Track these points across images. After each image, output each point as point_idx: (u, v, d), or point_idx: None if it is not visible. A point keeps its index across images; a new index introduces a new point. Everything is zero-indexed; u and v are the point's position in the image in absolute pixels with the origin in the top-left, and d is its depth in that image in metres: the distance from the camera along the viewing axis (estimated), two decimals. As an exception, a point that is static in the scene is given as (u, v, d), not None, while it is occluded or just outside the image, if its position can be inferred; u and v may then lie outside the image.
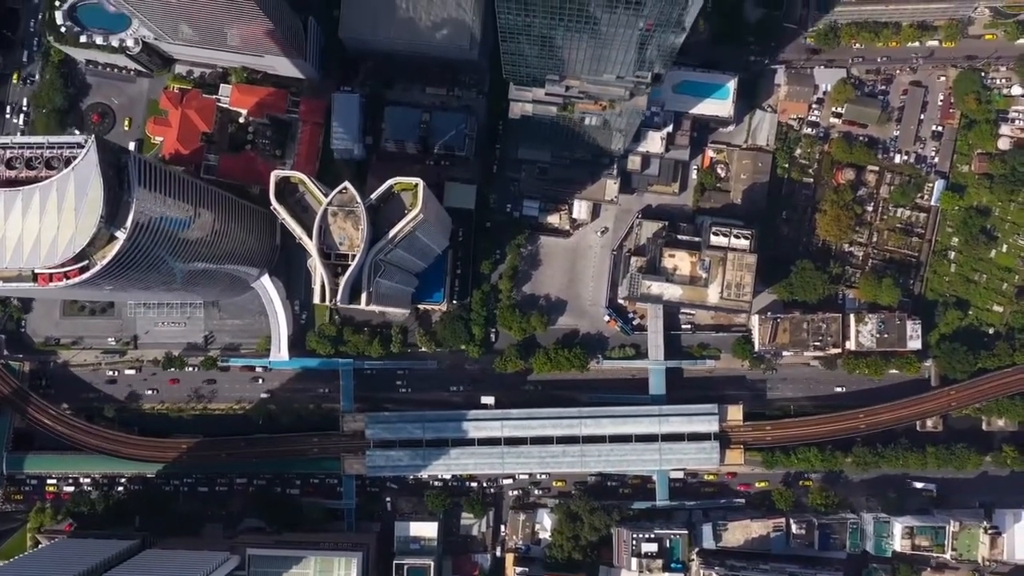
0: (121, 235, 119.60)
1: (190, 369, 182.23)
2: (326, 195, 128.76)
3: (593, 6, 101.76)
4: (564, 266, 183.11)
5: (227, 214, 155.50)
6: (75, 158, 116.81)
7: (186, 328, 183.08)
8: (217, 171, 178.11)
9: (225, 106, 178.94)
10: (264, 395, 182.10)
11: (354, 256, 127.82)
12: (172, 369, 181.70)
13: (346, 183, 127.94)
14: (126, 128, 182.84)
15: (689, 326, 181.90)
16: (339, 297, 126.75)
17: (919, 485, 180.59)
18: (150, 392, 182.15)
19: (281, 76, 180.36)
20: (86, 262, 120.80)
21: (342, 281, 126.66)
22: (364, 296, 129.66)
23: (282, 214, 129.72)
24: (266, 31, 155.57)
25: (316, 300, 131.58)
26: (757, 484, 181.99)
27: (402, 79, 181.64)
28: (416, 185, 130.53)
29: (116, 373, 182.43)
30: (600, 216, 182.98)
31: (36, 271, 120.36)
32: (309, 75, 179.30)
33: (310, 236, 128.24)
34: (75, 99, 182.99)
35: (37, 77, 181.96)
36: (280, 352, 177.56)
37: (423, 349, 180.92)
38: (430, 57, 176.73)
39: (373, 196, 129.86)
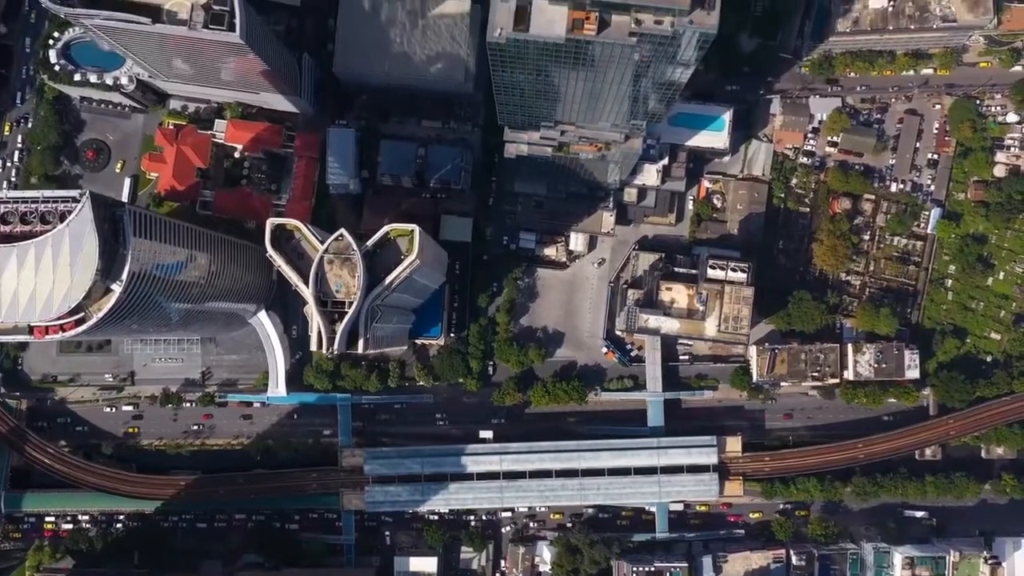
0: (117, 288, 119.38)
1: (188, 405, 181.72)
2: (322, 241, 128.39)
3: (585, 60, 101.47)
4: (561, 298, 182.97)
5: (222, 254, 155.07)
6: (70, 212, 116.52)
7: (183, 364, 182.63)
8: (213, 207, 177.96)
9: (220, 141, 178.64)
10: (261, 431, 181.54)
11: (351, 303, 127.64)
12: (170, 406, 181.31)
13: (342, 230, 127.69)
14: (117, 170, 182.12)
15: (687, 357, 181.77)
16: (336, 346, 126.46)
17: (918, 514, 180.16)
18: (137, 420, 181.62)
19: (276, 111, 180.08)
20: (82, 314, 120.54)
21: (339, 329, 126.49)
22: (361, 343, 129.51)
23: (278, 261, 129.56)
24: (261, 71, 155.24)
25: (313, 348, 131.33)
26: (751, 515, 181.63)
27: (397, 112, 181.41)
28: (412, 231, 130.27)
29: (114, 409, 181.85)
30: (597, 247, 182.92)
31: (32, 324, 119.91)
32: (304, 110, 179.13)
33: (306, 283, 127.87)
34: (70, 136, 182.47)
35: (31, 115, 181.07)
36: (278, 388, 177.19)
37: (421, 383, 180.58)
38: (425, 90, 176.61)
39: (369, 243, 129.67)
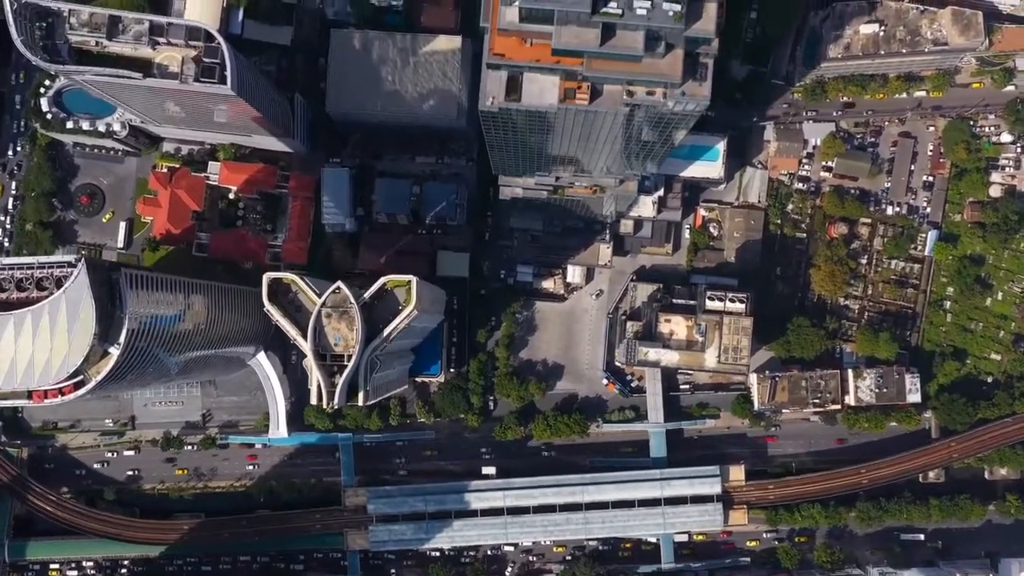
0: (115, 350, 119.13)
1: (189, 448, 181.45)
2: (319, 294, 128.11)
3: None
4: (560, 330, 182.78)
5: (219, 301, 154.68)
6: (66, 277, 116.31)
7: (183, 407, 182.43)
8: (209, 249, 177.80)
9: (214, 183, 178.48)
10: (264, 472, 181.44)
11: (350, 356, 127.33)
12: (172, 449, 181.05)
13: (339, 283, 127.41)
14: (106, 219, 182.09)
15: (688, 386, 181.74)
16: (336, 401, 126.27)
17: (919, 537, 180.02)
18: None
19: (270, 150, 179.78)
20: (80, 377, 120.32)
21: (339, 384, 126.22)
22: (361, 395, 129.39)
23: (275, 316, 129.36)
24: (253, 117, 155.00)
25: (313, 402, 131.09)
26: (748, 543, 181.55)
27: (391, 149, 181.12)
28: (410, 282, 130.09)
29: (115, 454, 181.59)
30: (594, 279, 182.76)
31: (31, 389, 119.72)
32: (298, 149, 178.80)
33: (305, 337, 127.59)
34: (63, 181, 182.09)
35: (24, 162, 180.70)
36: (279, 429, 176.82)
37: (422, 420, 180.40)
38: (418, 127, 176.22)
39: (366, 294, 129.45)
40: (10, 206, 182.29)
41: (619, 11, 79.31)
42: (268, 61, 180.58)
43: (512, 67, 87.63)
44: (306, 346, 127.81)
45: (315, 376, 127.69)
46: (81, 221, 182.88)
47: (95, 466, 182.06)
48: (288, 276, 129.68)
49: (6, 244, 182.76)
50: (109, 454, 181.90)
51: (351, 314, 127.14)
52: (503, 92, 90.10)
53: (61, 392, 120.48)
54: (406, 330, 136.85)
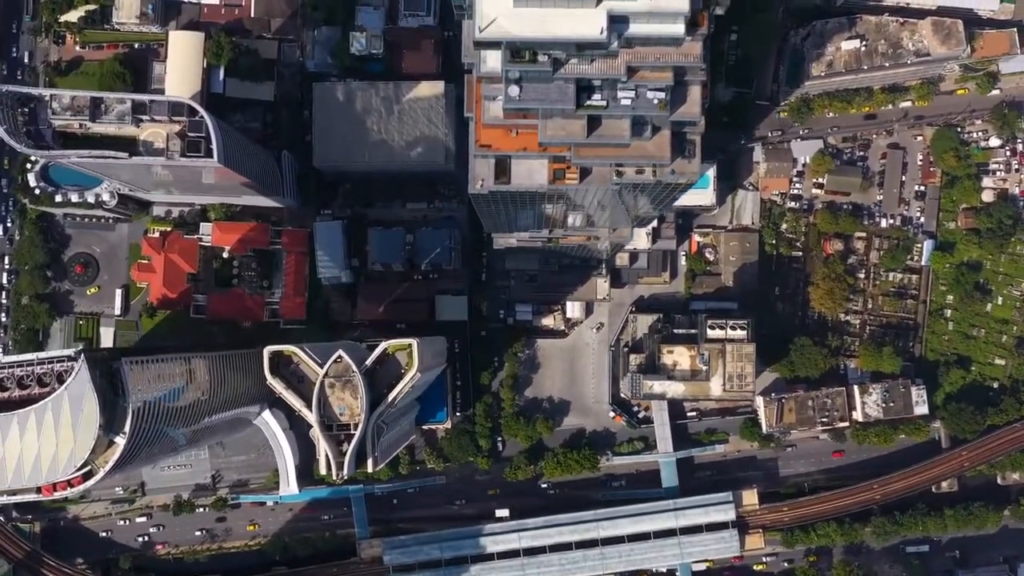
0: (121, 440, 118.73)
1: (201, 510, 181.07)
2: (320, 364, 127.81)
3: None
4: (563, 366, 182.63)
5: (220, 366, 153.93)
6: (66, 372, 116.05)
7: (192, 470, 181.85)
8: (207, 311, 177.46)
9: (208, 244, 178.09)
10: (277, 529, 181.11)
11: (356, 424, 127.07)
12: (184, 513, 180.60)
13: (340, 352, 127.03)
14: (91, 292, 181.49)
15: (694, 413, 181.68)
16: (345, 472, 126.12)
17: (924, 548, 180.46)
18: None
19: (261, 206, 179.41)
20: (88, 468, 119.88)
21: (347, 454, 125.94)
22: (370, 462, 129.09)
23: (278, 388, 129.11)
24: (241, 183, 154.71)
25: (322, 472, 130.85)
26: (755, 567, 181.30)
27: (381, 197, 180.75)
28: (410, 345, 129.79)
29: (127, 522, 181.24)
30: (594, 312, 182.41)
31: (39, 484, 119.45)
32: (288, 204, 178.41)
33: (309, 408, 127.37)
34: (56, 252, 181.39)
35: (16, 235, 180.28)
36: (289, 486, 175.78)
37: (431, 466, 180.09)
38: (407, 173, 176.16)
39: (368, 361, 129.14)
40: (4, 280, 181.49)
41: (603, 103, 79.18)
42: (252, 117, 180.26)
43: (499, 155, 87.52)
44: (312, 417, 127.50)
45: (323, 447, 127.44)
46: (77, 291, 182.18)
47: (108, 535, 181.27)
48: (289, 348, 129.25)
49: (3, 319, 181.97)
50: (121, 522, 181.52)
51: (354, 382, 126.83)
52: (492, 176, 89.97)
53: (70, 484, 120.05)
54: (410, 392, 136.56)
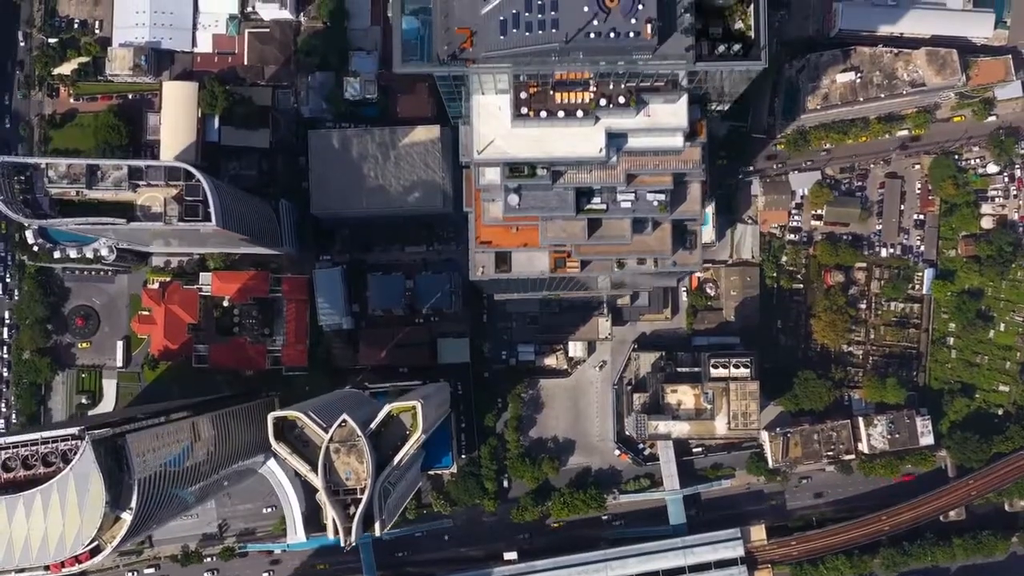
0: (127, 515, 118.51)
1: (208, 560, 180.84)
2: (325, 428, 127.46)
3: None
4: (567, 405, 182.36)
5: (224, 421, 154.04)
6: (71, 450, 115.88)
7: (199, 519, 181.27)
8: (208, 360, 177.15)
9: (207, 294, 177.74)
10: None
11: (363, 489, 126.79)
12: (192, 563, 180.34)
13: (345, 416, 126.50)
14: (85, 346, 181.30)
15: (700, 449, 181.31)
16: (353, 538, 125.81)
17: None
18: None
19: (260, 254, 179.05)
20: (96, 544, 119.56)
21: (355, 519, 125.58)
22: (377, 525, 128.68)
23: (284, 454, 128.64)
24: (240, 239, 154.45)
25: (329, 537, 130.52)
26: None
27: (380, 241, 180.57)
28: (414, 407, 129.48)
29: (135, 574, 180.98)
30: (596, 350, 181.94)
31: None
32: (287, 252, 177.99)
33: (315, 473, 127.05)
34: (56, 306, 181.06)
35: (15, 290, 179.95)
36: (296, 533, 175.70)
37: (438, 510, 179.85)
38: (405, 217, 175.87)
39: (372, 425, 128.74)
40: (6, 335, 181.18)
41: (603, 206, 79.01)
42: (248, 165, 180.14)
43: (500, 251, 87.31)
44: (318, 483, 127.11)
45: (329, 513, 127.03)
46: (78, 344, 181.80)
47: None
48: (293, 413, 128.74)
49: (5, 374, 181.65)
50: (129, 574, 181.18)
51: (360, 447, 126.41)
52: (492, 265, 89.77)
53: (78, 560, 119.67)
54: (415, 452, 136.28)
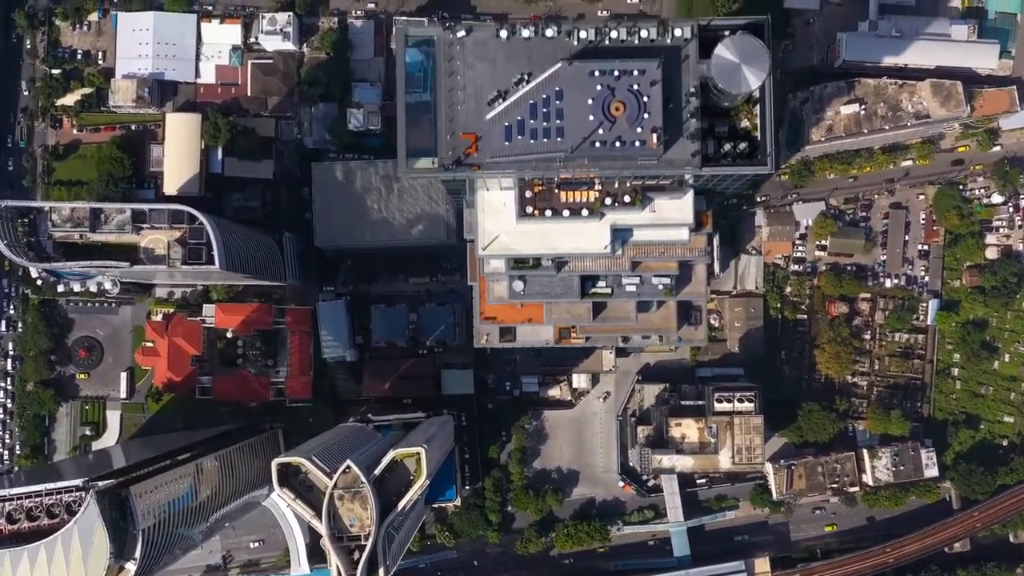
0: (131, 566, 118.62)
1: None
2: (329, 474, 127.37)
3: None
4: (571, 436, 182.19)
5: (228, 460, 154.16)
6: (75, 502, 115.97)
7: (203, 551, 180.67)
8: (212, 392, 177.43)
9: (211, 325, 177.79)
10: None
11: (367, 536, 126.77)
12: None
13: (349, 462, 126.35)
14: (83, 377, 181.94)
15: (704, 480, 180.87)
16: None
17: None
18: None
19: (263, 285, 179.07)
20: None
21: (359, 569, 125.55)
22: (382, 571, 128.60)
23: (288, 499, 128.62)
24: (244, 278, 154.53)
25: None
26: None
27: (384, 273, 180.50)
28: (419, 454, 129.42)
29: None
30: (600, 382, 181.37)
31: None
32: (290, 284, 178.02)
33: (319, 519, 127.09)
34: (60, 337, 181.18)
35: (19, 322, 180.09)
36: (300, 566, 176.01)
37: (442, 541, 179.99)
38: (409, 249, 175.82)
39: (376, 470, 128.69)
40: (9, 367, 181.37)
41: (608, 290, 78.86)
42: (251, 196, 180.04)
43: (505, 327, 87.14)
44: (322, 530, 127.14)
45: (334, 560, 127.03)
46: (77, 374, 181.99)
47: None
48: (296, 460, 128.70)
49: (9, 405, 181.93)
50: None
51: (364, 493, 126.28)
52: (497, 336, 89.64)
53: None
54: (420, 497, 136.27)
